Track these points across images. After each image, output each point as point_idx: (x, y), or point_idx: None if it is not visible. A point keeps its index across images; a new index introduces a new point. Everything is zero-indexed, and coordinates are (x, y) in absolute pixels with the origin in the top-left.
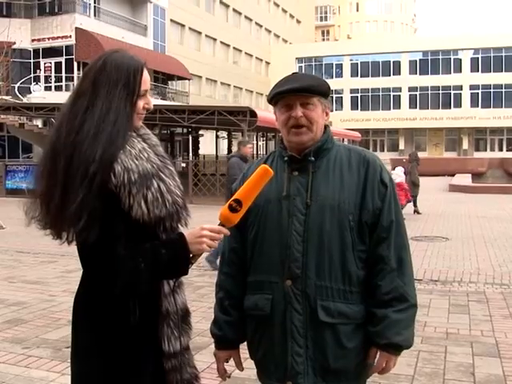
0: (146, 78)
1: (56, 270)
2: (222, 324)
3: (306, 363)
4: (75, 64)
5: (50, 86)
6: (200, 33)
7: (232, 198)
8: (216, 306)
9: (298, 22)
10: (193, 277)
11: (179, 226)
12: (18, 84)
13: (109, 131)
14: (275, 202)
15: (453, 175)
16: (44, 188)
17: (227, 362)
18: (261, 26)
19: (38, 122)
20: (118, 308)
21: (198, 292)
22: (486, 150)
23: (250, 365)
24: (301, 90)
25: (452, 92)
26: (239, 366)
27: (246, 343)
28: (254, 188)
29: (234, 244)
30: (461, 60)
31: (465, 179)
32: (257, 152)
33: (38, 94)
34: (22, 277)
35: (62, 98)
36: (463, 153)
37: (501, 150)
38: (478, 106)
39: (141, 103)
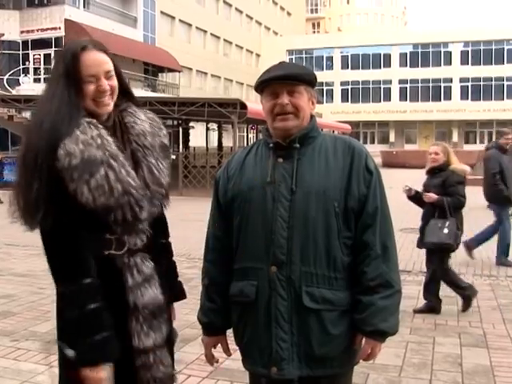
0: (90, 62)
1: (45, 262)
2: (207, 311)
3: (291, 349)
4: None
5: (40, 78)
6: (190, 25)
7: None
8: (202, 293)
9: (289, 14)
10: (183, 269)
11: (137, 219)
12: (7, 76)
13: (51, 120)
14: (259, 188)
15: None
16: (16, 180)
17: (215, 348)
18: (251, 18)
19: (27, 114)
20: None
21: (189, 284)
22: (475, 143)
23: (239, 356)
24: (287, 78)
25: (442, 85)
26: (226, 351)
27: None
28: None
29: (218, 232)
30: (451, 53)
31: None
32: (248, 144)
33: (27, 86)
34: (10, 269)
35: None
36: (453, 145)
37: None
38: (467, 99)
39: (90, 87)
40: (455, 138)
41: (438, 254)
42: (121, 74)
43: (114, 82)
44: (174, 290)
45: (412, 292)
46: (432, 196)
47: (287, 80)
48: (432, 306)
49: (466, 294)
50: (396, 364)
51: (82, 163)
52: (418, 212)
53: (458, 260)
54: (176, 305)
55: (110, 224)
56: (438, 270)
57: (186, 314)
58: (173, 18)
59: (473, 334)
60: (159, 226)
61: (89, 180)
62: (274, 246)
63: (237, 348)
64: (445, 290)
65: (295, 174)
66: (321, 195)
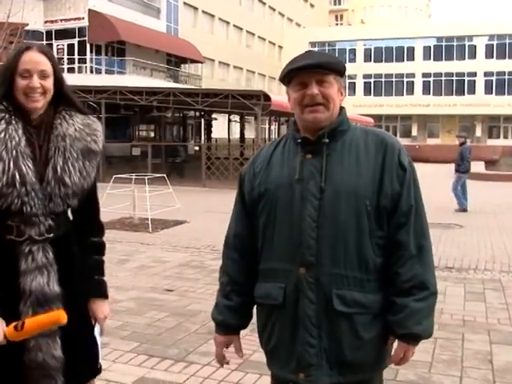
0: (27, 60)
1: None
2: (222, 309)
3: (319, 355)
4: (88, 46)
5: (63, 68)
6: (213, 16)
7: (22, 320)
8: (218, 291)
9: (312, 5)
10: (208, 260)
11: (22, 211)
12: None
13: None
14: (287, 186)
15: None
16: None
17: (227, 347)
18: (274, 10)
19: None
20: None
21: (213, 275)
22: (499, 138)
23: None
24: (317, 67)
25: (466, 78)
26: (239, 352)
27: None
28: (38, 327)
29: (240, 230)
30: (475, 46)
31: (478, 167)
32: (269, 136)
33: None
34: None
35: (74, 80)
36: (476, 140)
37: None
38: (492, 93)
39: (23, 82)
40: (478, 132)
41: None
42: (62, 82)
43: (48, 83)
44: (92, 288)
45: (438, 287)
46: None
47: (317, 69)
48: None
49: None
50: (425, 360)
51: None
52: (443, 207)
53: (483, 257)
54: (198, 296)
55: (8, 210)
56: None
57: (213, 305)
58: (196, 8)
59: (502, 331)
60: (86, 224)
61: None
62: (303, 247)
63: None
64: (472, 287)
65: (324, 171)
66: (351, 194)
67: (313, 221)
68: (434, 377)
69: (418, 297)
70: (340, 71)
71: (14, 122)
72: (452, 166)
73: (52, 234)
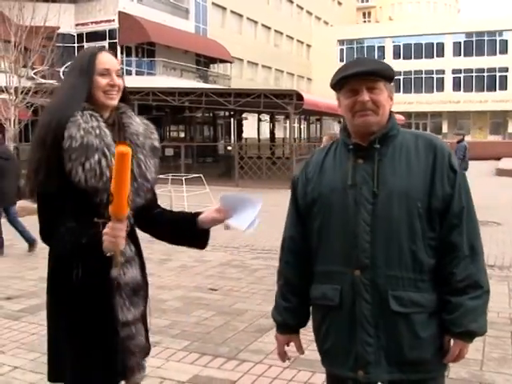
0: (105, 60)
1: None
2: (281, 310)
3: (377, 353)
4: (119, 48)
5: None
6: (241, 16)
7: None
8: (277, 293)
9: (339, 3)
10: (248, 260)
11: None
12: (63, 68)
13: (61, 102)
14: (340, 190)
15: (498, 159)
16: (29, 153)
17: (287, 345)
18: (302, 9)
19: None
20: (64, 269)
21: (255, 275)
22: None
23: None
24: (368, 74)
25: (497, 74)
26: (299, 349)
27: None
28: (118, 176)
29: (294, 233)
30: (507, 41)
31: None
32: (300, 136)
33: None
34: None
35: None
36: (508, 136)
37: None
38: None
39: (103, 80)
40: (510, 128)
41: None
42: (124, 82)
43: (122, 82)
44: (191, 214)
45: None
46: None
47: (368, 76)
48: None
49: None
50: (476, 358)
51: (81, 147)
52: (479, 205)
53: None
54: (243, 295)
55: (99, 207)
56: None
57: (258, 304)
58: (224, 8)
59: None
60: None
61: (84, 162)
62: (358, 250)
63: (313, 339)
64: None
65: (377, 176)
66: (403, 197)
67: (367, 225)
68: (486, 374)
69: (473, 295)
70: (390, 77)
71: (99, 118)
72: (485, 164)
73: (129, 228)
